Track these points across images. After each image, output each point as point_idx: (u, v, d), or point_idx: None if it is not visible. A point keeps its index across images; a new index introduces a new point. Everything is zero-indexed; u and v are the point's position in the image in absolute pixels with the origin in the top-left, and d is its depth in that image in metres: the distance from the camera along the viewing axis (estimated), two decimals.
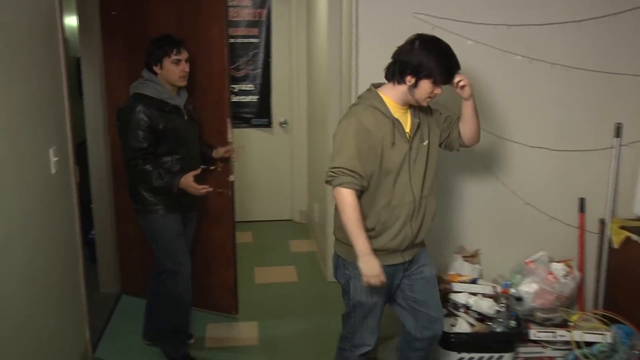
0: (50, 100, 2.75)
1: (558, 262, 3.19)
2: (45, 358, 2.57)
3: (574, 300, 3.27)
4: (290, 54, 5.61)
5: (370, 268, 2.30)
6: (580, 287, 3.29)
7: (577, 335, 2.96)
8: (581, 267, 3.29)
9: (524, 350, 3.01)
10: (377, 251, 2.34)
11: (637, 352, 2.91)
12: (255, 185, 5.69)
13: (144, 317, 3.45)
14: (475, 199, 3.23)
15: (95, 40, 3.78)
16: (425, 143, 2.42)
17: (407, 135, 2.37)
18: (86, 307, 3.20)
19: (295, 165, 5.83)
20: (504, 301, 3.00)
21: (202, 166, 3.20)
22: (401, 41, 2.97)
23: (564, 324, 3.03)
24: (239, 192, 3.71)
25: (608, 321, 3.04)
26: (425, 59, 2.25)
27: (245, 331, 3.66)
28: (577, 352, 2.94)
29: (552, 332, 2.99)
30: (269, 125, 5.75)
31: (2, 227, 2.11)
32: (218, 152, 3.37)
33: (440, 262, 3.19)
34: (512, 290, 3.10)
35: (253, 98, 5.65)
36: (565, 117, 3.19)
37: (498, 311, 2.95)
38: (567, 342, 2.99)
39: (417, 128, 2.39)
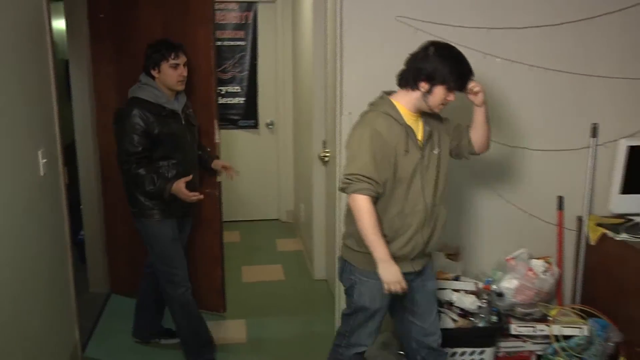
0: (39, 102, 2.74)
1: (538, 258, 3.22)
2: (35, 357, 2.55)
3: (553, 295, 3.31)
4: (276, 56, 5.61)
5: (391, 274, 2.26)
6: (559, 282, 3.32)
7: (556, 329, 2.99)
8: (560, 264, 3.33)
9: (505, 344, 3.03)
10: None
11: (611, 344, 2.95)
12: (242, 185, 5.67)
13: (134, 315, 3.43)
14: (457, 198, 3.25)
15: (84, 43, 3.76)
16: (437, 151, 2.38)
17: (419, 143, 2.33)
18: (75, 306, 3.19)
19: (282, 166, 5.83)
20: (486, 297, 3.02)
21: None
22: (385, 43, 3.03)
23: (543, 319, 3.05)
24: (226, 193, 3.70)
25: (585, 315, 3.08)
26: (440, 65, 2.23)
27: (233, 329, 3.66)
28: (556, 345, 2.98)
29: (532, 327, 3.02)
30: (255, 126, 5.75)
31: None
32: (217, 165, 3.34)
33: None
34: (494, 287, 3.12)
35: (240, 100, 5.65)
36: (543, 117, 3.22)
37: (480, 307, 2.97)
38: (546, 336, 3.01)
39: (429, 136, 2.36)
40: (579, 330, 2.98)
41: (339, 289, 3.31)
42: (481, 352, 2.94)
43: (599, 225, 3.18)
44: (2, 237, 2.20)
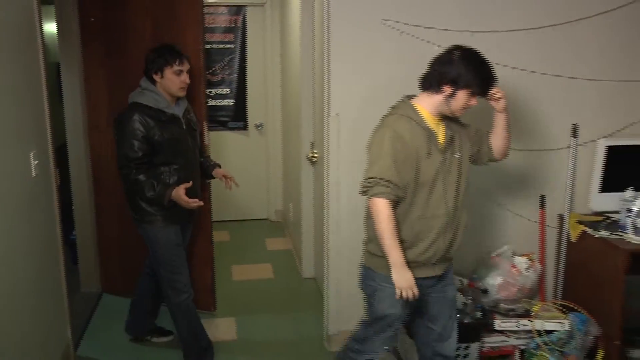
0: (31, 105, 2.72)
1: (521, 255, 3.25)
2: (27, 356, 2.54)
3: (536, 291, 3.34)
4: (265, 59, 5.61)
5: (405, 280, 2.22)
6: (542, 278, 3.35)
7: (538, 324, 3.02)
8: (542, 260, 3.35)
9: (489, 339, 3.05)
10: (409, 263, 2.26)
11: (591, 338, 2.98)
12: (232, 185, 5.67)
13: (128, 312, 3.42)
14: None
15: (75, 46, 3.74)
16: (458, 156, 2.34)
17: (441, 147, 2.29)
18: (67, 306, 3.17)
19: (271, 166, 5.83)
20: (471, 294, 3.04)
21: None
22: (371, 46, 3.04)
23: (526, 314, 3.07)
24: (215, 193, 3.70)
25: (566, 310, 3.11)
26: (465, 69, 2.20)
27: (224, 327, 3.65)
28: (538, 340, 3.00)
29: (516, 322, 3.04)
30: (245, 127, 5.74)
31: None
32: (218, 173, 3.27)
33: None
34: (479, 283, 3.15)
35: (229, 102, 5.63)
36: (526, 118, 3.25)
37: (465, 303, 2.99)
38: (529, 331, 3.04)
39: (450, 140, 2.32)
40: (560, 325, 3.01)
41: (328, 287, 3.32)
42: (466, 347, 2.95)
43: (580, 222, 3.21)
44: None
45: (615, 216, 3.14)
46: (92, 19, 3.66)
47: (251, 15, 5.49)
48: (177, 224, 3.02)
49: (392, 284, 2.27)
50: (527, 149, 3.27)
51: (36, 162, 2.69)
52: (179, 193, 2.84)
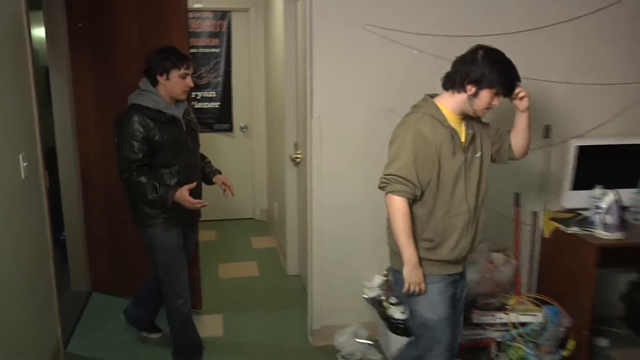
0: (20, 108, 2.70)
1: (497, 251, 3.29)
2: (18, 354, 2.52)
3: (511, 285, 3.38)
4: (250, 62, 5.62)
5: (416, 275, 2.23)
6: (517, 273, 3.40)
7: (514, 317, 3.06)
8: (517, 256, 3.40)
9: (467, 332, 3.08)
10: (438, 262, 2.28)
11: (562, 329, 3.03)
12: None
13: (131, 303, 3.39)
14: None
15: (63, 51, 3.72)
16: (479, 154, 2.32)
17: (463, 146, 2.26)
18: (57, 304, 3.15)
19: (256, 167, 5.84)
20: None
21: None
22: (353, 50, 3.06)
23: (502, 308, 3.12)
24: (202, 193, 3.69)
25: (540, 303, 3.16)
26: (489, 69, 2.16)
27: (211, 324, 3.65)
28: (514, 332, 3.04)
29: (492, 315, 3.08)
30: (230, 129, 5.74)
31: None
32: (218, 180, 3.20)
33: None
34: None
35: (215, 104, 5.63)
36: (502, 119, 3.29)
37: None
38: (505, 324, 3.07)
39: (471, 139, 2.29)
40: (534, 317, 3.06)
41: (311, 284, 3.33)
42: None
43: (552, 219, 3.27)
44: None
45: (585, 213, 3.20)
46: (80, 24, 3.64)
47: (236, 20, 5.50)
48: (179, 226, 2.94)
49: (427, 281, 2.27)
50: None
51: (25, 164, 2.67)
52: (183, 194, 2.77)
